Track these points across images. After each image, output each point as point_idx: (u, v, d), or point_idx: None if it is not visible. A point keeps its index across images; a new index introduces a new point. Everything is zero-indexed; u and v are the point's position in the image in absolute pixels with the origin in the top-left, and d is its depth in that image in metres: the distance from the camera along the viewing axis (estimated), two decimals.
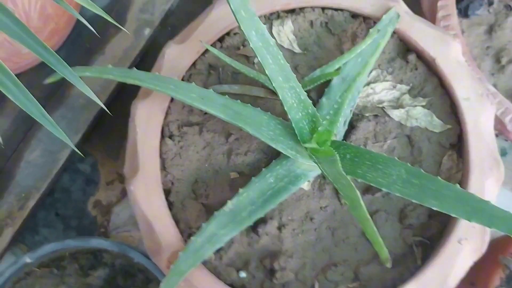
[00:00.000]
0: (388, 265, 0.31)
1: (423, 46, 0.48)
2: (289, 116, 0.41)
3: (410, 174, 0.38)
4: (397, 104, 0.48)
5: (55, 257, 0.47)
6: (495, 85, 0.56)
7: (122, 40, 0.55)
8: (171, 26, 0.65)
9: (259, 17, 0.48)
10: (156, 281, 0.49)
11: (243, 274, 0.44)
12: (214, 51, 0.44)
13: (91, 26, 0.32)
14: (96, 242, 0.46)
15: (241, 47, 0.48)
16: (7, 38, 0.34)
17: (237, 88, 0.47)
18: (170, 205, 0.45)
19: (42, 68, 0.46)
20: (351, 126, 0.47)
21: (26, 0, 0.43)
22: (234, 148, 0.47)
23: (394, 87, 0.48)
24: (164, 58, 0.47)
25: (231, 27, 0.48)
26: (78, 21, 0.52)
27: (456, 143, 0.48)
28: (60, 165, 0.55)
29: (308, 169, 0.44)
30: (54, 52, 0.28)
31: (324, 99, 0.46)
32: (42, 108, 0.30)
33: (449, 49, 0.47)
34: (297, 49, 0.49)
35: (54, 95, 0.56)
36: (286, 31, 0.49)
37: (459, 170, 0.47)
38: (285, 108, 0.41)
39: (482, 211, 0.36)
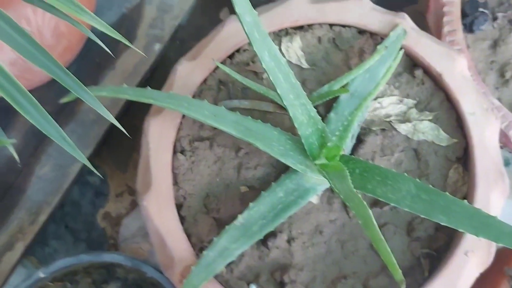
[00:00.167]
0: (403, 287, 0.31)
1: (430, 62, 0.48)
2: (299, 132, 0.42)
3: (419, 190, 0.39)
4: (404, 118, 0.49)
5: (68, 271, 0.47)
6: (499, 99, 0.57)
7: (132, 56, 0.56)
8: (180, 40, 0.66)
9: (269, 33, 0.50)
10: None
11: (254, 287, 0.45)
12: (225, 69, 0.45)
13: (102, 41, 0.33)
14: (109, 257, 0.46)
15: (251, 63, 0.49)
16: (21, 55, 0.34)
17: (247, 103, 0.48)
18: (182, 219, 0.46)
19: (53, 84, 0.47)
20: (359, 140, 0.48)
21: (40, 18, 0.44)
22: (244, 162, 0.47)
23: (401, 101, 0.49)
24: (176, 74, 0.47)
25: (241, 44, 0.49)
26: (88, 38, 0.53)
27: (462, 156, 0.48)
28: (71, 180, 0.56)
29: (317, 183, 0.45)
30: (71, 74, 0.29)
31: (332, 114, 0.47)
32: (59, 127, 0.31)
33: (455, 64, 0.48)
34: (305, 65, 0.50)
35: (64, 110, 0.57)
36: (294, 47, 0.50)
37: (465, 183, 0.48)
38: (296, 125, 0.42)
39: (489, 227, 0.37)
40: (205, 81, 0.49)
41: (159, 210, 0.44)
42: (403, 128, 0.48)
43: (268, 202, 0.43)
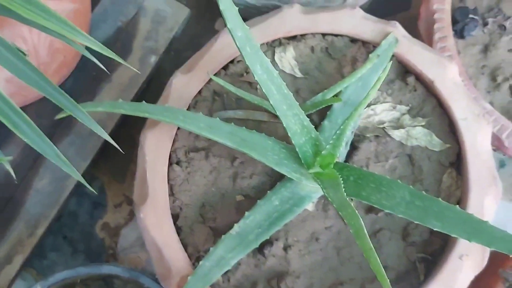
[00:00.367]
0: None
1: (421, 69, 0.49)
2: (293, 142, 0.42)
3: (413, 196, 0.40)
4: (398, 124, 0.49)
5: (66, 283, 0.47)
6: (491, 103, 0.57)
7: (128, 69, 0.56)
8: (175, 51, 0.66)
9: (262, 44, 0.50)
10: None
11: None
12: (219, 81, 0.46)
13: (98, 55, 0.33)
14: (107, 269, 0.47)
15: (245, 74, 0.50)
16: None
17: (241, 114, 0.48)
18: (179, 230, 0.46)
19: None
20: (353, 147, 0.49)
21: (35, 37, 0.44)
22: (239, 171, 0.48)
23: (394, 108, 0.50)
24: (171, 87, 0.48)
25: (235, 55, 0.49)
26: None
27: (455, 161, 0.49)
28: (68, 193, 0.56)
29: (312, 191, 0.45)
30: (63, 92, 0.29)
31: (326, 122, 0.47)
32: (53, 145, 0.31)
33: (446, 71, 0.49)
34: (298, 74, 0.50)
35: (62, 122, 0.57)
36: (288, 57, 0.50)
37: (458, 188, 0.48)
38: (289, 134, 0.42)
39: (481, 232, 0.37)
40: (200, 92, 0.50)
41: (156, 221, 0.45)
42: (397, 134, 0.49)
43: (263, 210, 0.44)
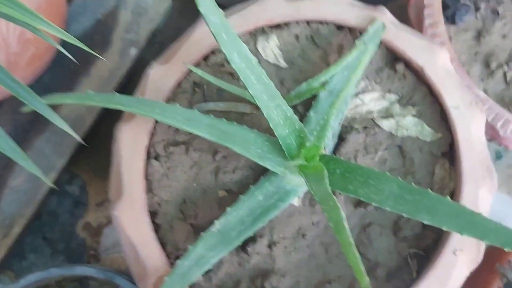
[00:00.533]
0: None
1: (411, 56, 0.47)
2: (276, 133, 0.41)
3: (402, 190, 0.38)
4: (387, 114, 0.48)
5: (40, 285, 0.46)
6: (485, 90, 0.56)
7: (107, 61, 0.55)
8: (159, 44, 0.64)
9: (244, 33, 0.48)
10: None
11: None
12: (198, 71, 0.44)
13: (75, 48, 0.32)
14: (81, 270, 0.45)
15: (226, 64, 0.48)
16: None
17: (222, 105, 0.47)
18: (157, 227, 0.45)
19: None
20: (341, 139, 0.47)
21: (4, 26, 0.42)
22: (221, 166, 0.46)
23: (383, 97, 0.48)
24: (148, 79, 0.46)
25: (215, 45, 0.47)
26: (61, 44, 0.52)
27: (448, 151, 0.47)
28: (46, 190, 0.54)
29: (298, 185, 0.44)
30: (24, 85, 0.27)
31: (312, 113, 0.46)
32: (22, 151, 0.29)
33: (436, 58, 0.47)
34: (283, 64, 0.48)
35: (38, 119, 0.55)
36: (271, 46, 0.48)
37: (451, 179, 0.46)
38: (272, 126, 0.40)
39: (474, 224, 0.36)
40: (179, 84, 0.48)
41: (131, 219, 0.43)
42: (386, 124, 0.47)
43: (246, 206, 0.42)
